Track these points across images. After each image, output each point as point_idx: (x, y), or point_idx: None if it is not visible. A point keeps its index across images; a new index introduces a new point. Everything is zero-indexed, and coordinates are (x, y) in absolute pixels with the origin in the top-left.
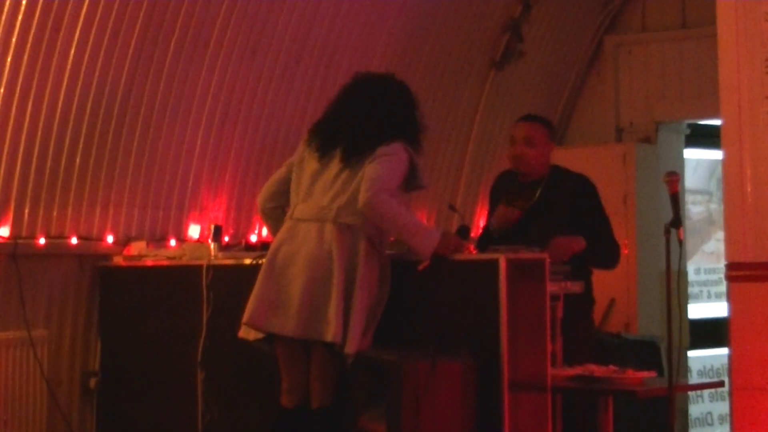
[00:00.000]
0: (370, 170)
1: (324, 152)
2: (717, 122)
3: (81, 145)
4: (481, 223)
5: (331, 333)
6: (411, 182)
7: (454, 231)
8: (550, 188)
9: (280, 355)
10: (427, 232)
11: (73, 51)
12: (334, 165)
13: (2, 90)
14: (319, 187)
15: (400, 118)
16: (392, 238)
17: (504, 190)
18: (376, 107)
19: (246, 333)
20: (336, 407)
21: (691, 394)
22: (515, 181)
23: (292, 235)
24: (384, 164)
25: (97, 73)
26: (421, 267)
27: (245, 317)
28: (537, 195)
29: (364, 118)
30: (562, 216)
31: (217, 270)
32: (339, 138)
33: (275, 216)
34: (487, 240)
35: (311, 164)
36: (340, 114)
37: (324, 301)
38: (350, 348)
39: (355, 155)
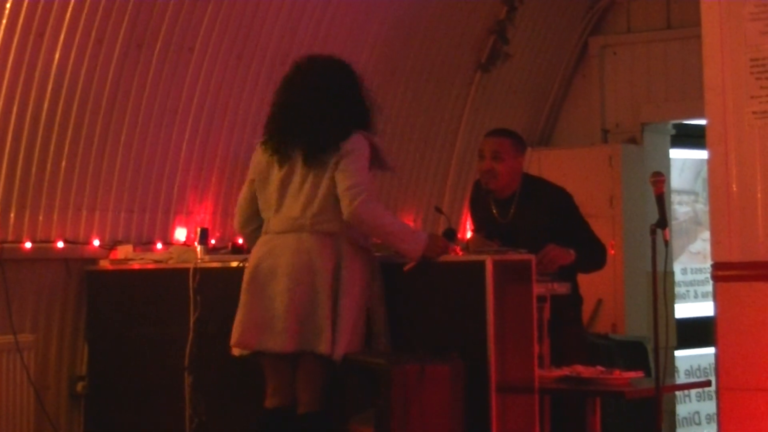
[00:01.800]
0: (343, 178)
1: (284, 157)
2: (702, 122)
3: (66, 149)
4: (468, 226)
5: (323, 345)
6: (374, 165)
7: (441, 233)
8: (523, 204)
9: (266, 364)
10: (413, 236)
11: (57, 55)
12: (298, 171)
13: None
14: (288, 196)
15: (352, 105)
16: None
17: (483, 208)
18: (328, 100)
19: (233, 350)
20: (324, 411)
21: (678, 393)
22: (491, 196)
23: (270, 249)
24: (354, 165)
25: (82, 78)
26: (406, 267)
27: (234, 339)
28: (511, 213)
29: (319, 115)
30: (540, 229)
31: (203, 273)
32: (296, 140)
33: (256, 236)
34: None
35: (275, 173)
36: (292, 112)
37: (312, 313)
38: (338, 354)
39: (317, 157)
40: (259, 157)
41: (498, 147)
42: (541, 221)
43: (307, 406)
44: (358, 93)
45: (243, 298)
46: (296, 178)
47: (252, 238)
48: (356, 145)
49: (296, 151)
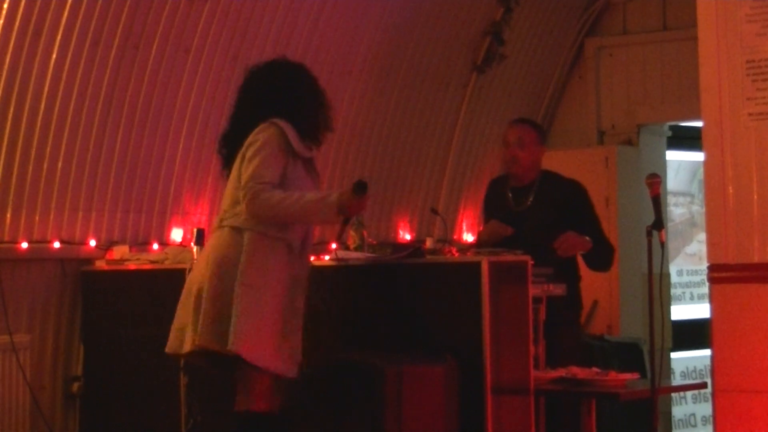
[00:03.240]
0: (243, 173)
1: (222, 166)
2: (698, 124)
3: (63, 150)
4: (464, 227)
5: (193, 339)
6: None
7: (351, 188)
8: (542, 192)
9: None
10: (321, 206)
11: (54, 56)
12: (229, 174)
13: None
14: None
15: (271, 98)
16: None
17: (497, 199)
18: (246, 98)
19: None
20: (264, 414)
21: (674, 395)
22: (508, 187)
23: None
24: (252, 157)
25: (78, 78)
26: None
27: (167, 348)
28: (530, 200)
29: (236, 115)
30: (555, 220)
31: None
32: (222, 145)
33: None
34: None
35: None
36: (227, 123)
37: (212, 310)
38: (237, 347)
39: (228, 154)
40: None
41: (523, 134)
42: (556, 212)
43: (239, 404)
44: (285, 88)
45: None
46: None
47: None
48: (258, 135)
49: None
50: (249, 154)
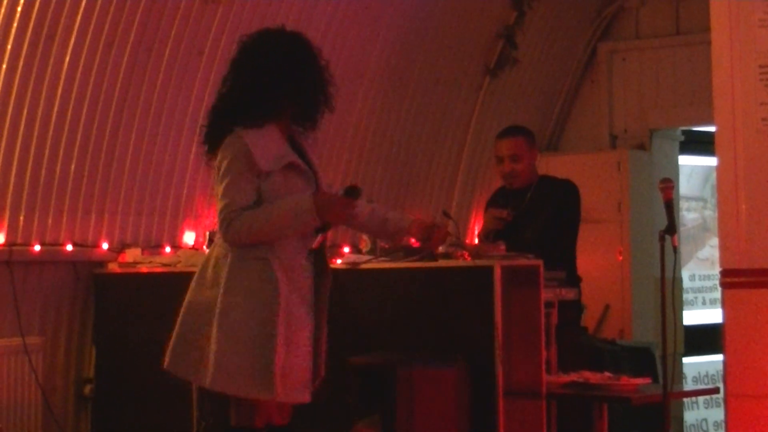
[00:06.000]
0: (216, 192)
1: (206, 151)
2: (711, 129)
3: (76, 153)
4: (476, 230)
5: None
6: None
7: (342, 192)
8: (539, 193)
9: None
10: (296, 212)
11: (68, 59)
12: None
13: None
14: None
15: (242, 94)
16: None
17: (498, 206)
18: (238, 76)
19: None
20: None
21: (686, 400)
22: (507, 194)
23: None
24: (222, 179)
25: (92, 81)
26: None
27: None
28: (527, 199)
29: (226, 95)
30: (552, 218)
31: None
32: (207, 129)
33: None
34: None
35: None
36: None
37: (183, 336)
38: (208, 381)
39: (215, 141)
40: None
41: (515, 149)
42: (552, 210)
43: (232, 420)
44: (258, 75)
45: None
46: None
47: None
48: (226, 152)
49: None
50: (220, 174)
